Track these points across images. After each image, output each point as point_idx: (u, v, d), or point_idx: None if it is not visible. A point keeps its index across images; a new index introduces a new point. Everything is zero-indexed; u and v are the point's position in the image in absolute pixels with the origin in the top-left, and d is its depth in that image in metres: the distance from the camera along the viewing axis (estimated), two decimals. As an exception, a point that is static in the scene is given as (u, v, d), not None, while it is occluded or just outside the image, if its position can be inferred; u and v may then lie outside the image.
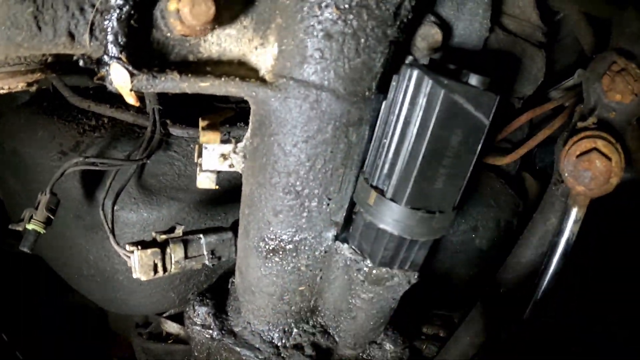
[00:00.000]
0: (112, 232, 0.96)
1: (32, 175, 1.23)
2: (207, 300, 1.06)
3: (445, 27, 0.94)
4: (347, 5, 0.72)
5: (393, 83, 0.77)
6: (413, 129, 0.72)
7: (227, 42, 0.85)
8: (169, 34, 0.80)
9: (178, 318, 1.38)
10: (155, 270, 0.92)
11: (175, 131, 1.16)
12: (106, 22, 0.73)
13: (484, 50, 0.99)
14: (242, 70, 0.85)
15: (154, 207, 1.09)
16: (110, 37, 0.73)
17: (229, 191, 1.12)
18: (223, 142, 0.85)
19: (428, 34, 0.88)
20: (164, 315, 1.39)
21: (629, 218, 1.45)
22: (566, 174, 0.87)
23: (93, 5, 0.79)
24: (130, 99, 0.78)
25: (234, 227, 1.03)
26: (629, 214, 1.48)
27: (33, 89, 0.95)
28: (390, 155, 0.76)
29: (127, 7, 0.72)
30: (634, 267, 1.34)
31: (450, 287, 1.28)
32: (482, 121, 0.66)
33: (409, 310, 1.24)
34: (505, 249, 1.23)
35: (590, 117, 0.97)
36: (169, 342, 1.39)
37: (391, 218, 0.78)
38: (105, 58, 0.74)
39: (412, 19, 0.82)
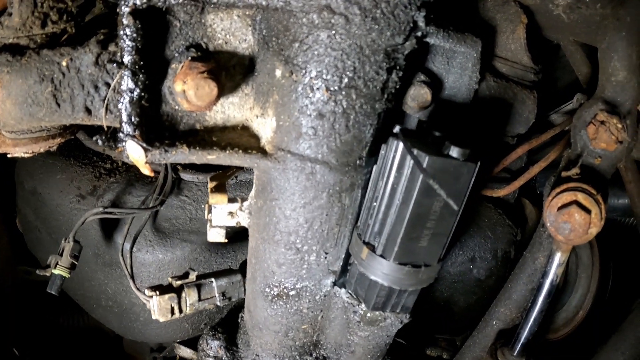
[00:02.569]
0: (132, 277, 1.14)
1: (51, 215, 1.42)
2: (219, 334, 1.24)
3: (436, 83, 1.07)
4: (336, 87, 0.86)
5: (382, 152, 0.92)
6: (399, 196, 0.87)
7: (231, 110, 1.01)
8: (176, 107, 0.95)
9: (191, 343, 1.57)
10: (172, 313, 1.10)
11: (185, 176, 1.33)
12: (120, 105, 0.85)
13: (475, 99, 1.12)
14: (245, 136, 1.00)
15: (168, 248, 1.27)
16: (124, 117, 0.85)
17: (237, 232, 1.29)
18: (230, 200, 1.01)
19: (418, 95, 1.01)
20: (178, 340, 1.58)
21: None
22: (548, 224, 1.01)
23: (106, 84, 0.94)
24: (146, 171, 0.93)
25: (243, 269, 1.20)
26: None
27: (54, 149, 1.12)
28: (380, 217, 0.92)
29: (138, 90, 0.86)
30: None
31: (451, 314, 1.43)
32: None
33: (411, 335, 1.41)
34: (503, 277, 1.38)
35: (576, 163, 1.11)
36: (183, 366, 1.58)
37: (381, 271, 0.94)
38: (121, 135, 0.87)
39: (401, 86, 0.96)
